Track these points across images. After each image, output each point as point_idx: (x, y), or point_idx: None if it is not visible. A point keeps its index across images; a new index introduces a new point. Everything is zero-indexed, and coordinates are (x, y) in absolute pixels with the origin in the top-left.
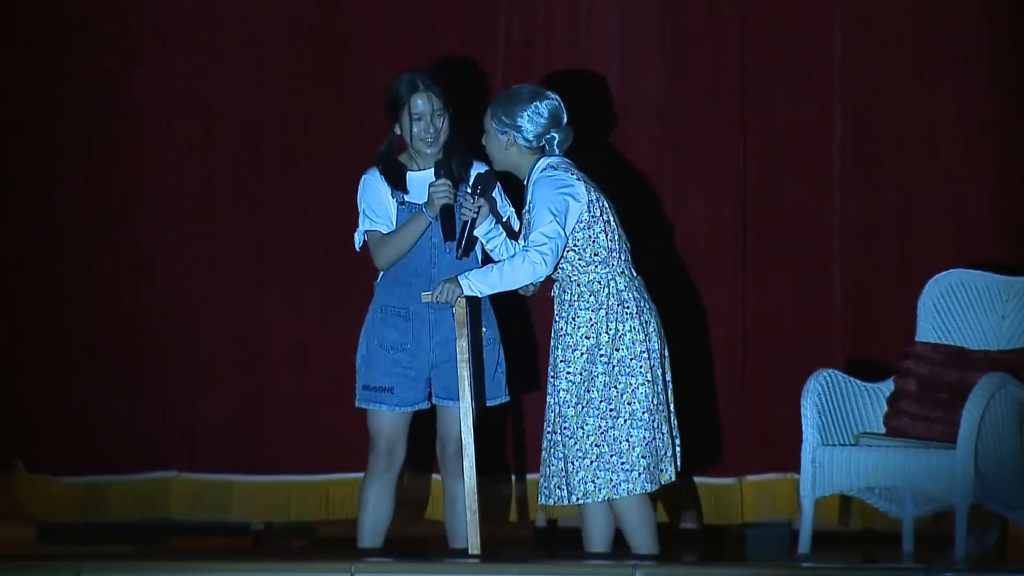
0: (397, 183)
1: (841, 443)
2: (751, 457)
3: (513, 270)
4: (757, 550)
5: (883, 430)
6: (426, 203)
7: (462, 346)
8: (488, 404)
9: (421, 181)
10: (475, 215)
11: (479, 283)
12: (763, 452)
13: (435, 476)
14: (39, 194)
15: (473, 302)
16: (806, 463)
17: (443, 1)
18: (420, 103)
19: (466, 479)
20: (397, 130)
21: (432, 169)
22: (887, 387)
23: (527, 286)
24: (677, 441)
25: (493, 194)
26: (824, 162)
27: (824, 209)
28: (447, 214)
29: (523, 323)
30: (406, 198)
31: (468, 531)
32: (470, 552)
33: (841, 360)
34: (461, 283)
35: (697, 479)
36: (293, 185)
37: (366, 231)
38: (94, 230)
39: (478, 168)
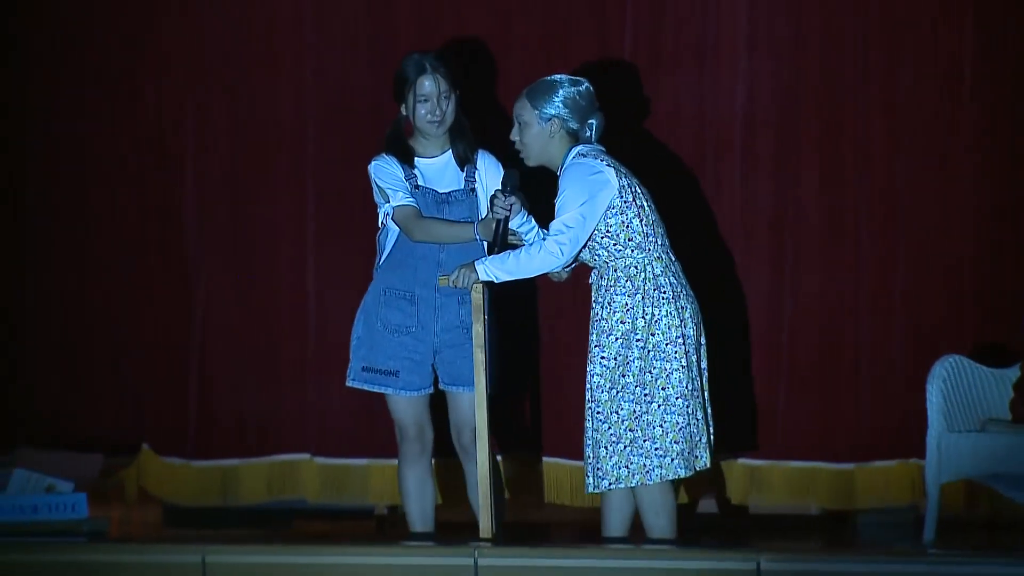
0: (410, 166)
1: (967, 429)
2: (870, 442)
3: (530, 258)
4: (878, 536)
5: (1009, 416)
6: (480, 221)
7: (478, 331)
8: None
9: (429, 168)
10: (508, 213)
11: (496, 269)
12: (884, 438)
13: (547, 459)
14: (169, 188)
15: (491, 289)
16: (931, 449)
17: None
18: (427, 84)
19: (479, 464)
20: (403, 111)
21: (440, 157)
22: (1013, 373)
23: (559, 272)
24: (711, 428)
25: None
26: (950, 151)
27: (948, 197)
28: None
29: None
30: (420, 182)
31: (480, 515)
32: (481, 536)
33: (967, 346)
34: (477, 268)
35: (815, 464)
36: None
37: (396, 206)
38: (223, 216)
39: (483, 156)
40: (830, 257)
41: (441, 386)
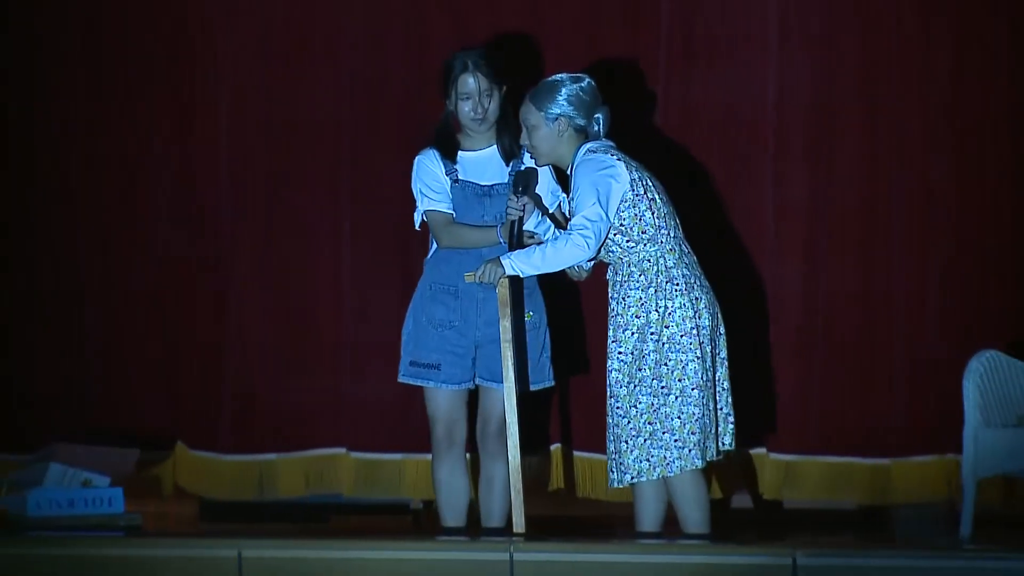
0: (453, 160)
1: (1004, 424)
2: (906, 438)
3: (556, 252)
4: (914, 532)
5: None
6: (502, 224)
7: (505, 326)
8: (532, 388)
9: (473, 161)
10: (521, 213)
11: (522, 264)
12: (920, 433)
13: (578, 453)
14: (204, 183)
15: (518, 284)
16: (968, 444)
17: None
18: (469, 83)
19: (511, 459)
20: (450, 106)
21: (485, 150)
22: None
23: (579, 270)
24: (731, 418)
25: (537, 189)
26: (985, 144)
27: (984, 191)
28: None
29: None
30: (460, 176)
31: (513, 510)
32: (515, 531)
33: (1004, 341)
34: (503, 263)
35: (850, 460)
36: None
37: (427, 211)
38: (258, 213)
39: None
40: (865, 252)
41: (477, 380)
